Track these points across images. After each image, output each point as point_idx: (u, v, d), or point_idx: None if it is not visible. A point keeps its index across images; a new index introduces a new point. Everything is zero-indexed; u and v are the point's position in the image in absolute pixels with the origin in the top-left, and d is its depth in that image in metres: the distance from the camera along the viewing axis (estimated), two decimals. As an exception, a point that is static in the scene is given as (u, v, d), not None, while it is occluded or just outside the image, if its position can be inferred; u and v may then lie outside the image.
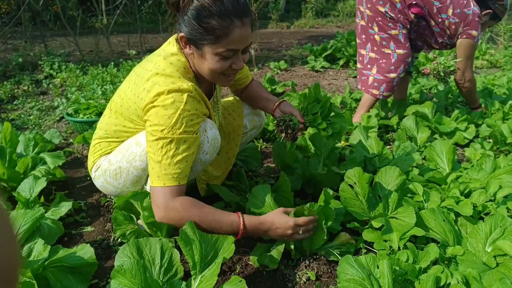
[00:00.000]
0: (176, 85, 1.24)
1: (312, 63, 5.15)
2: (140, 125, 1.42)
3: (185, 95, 1.25)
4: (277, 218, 1.31)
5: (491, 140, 2.47)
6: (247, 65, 1.57)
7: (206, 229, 1.27)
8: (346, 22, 11.20)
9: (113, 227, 1.48)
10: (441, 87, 3.26)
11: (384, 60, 2.57)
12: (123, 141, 1.48)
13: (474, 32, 2.41)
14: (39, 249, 1.26)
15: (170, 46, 1.38)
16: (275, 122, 1.63)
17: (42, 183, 1.69)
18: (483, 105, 2.94)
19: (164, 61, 1.31)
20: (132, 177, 1.46)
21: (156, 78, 1.26)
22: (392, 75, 2.55)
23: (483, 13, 2.49)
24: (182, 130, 1.24)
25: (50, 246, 1.27)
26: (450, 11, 2.40)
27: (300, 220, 1.32)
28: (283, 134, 1.59)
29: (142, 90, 1.28)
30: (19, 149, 2.07)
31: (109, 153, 1.52)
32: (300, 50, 6.38)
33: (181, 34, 1.27)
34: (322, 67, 5.14)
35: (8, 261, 0.37)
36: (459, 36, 2.47)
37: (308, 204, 1.35)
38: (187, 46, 1.30)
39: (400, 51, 2.51)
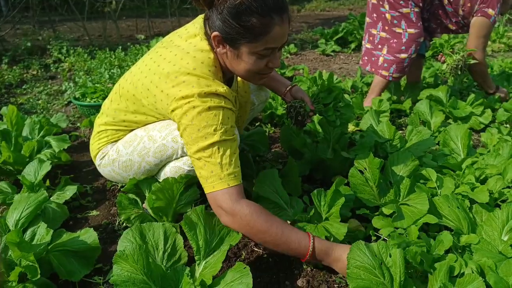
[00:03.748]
0: (212, 88, 1.18)
1: (322, 47, 5.03)
2: (153, 117, 1.36)
3: (222, 97, 1.20)
4: None
5: (508, 125, 2.37)
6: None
7: (270, 241, 1.17)
8: (358, 4, 10.91)
9: (118, 211, 1.47)
10: (451, 81, 3.15)
11: (395, 40, 2.47)
12: (132, 129, 1.43)
13: (490, 11, 2.28)
14: (41, 233, 1.25)
15: (197, 39, 1.27)
16: (286, 107, 1.61)
17: (46, 167, 1.67)
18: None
19: (194, 59, 1.22)
20: (143, 170, 1.43)
21: (188, 78, 1.18)
22: (403, 55, 2.46)
23: None
24: (230, 126, 1.20)
25: (52, 230, 1.26)
26: None
27: None
28: (293, 120, 1.57)
29: (170, 87, 1.20)
30: (25, 132, 2.06)
31: (116, 140, 1.47)
32: (310, 33, 6.24)
33: (215, 33, 1.17)
34: (333, 50, 5.02)
35: None
36: (474, 14, 2.34)
37: None
38: (221, 46, 1.21)
39: (412, 31, 2.41)
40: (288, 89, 1.64)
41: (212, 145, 1.15)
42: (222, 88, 1.20)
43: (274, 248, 1.20)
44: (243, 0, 1.09)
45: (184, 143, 1.22)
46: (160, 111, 1.30)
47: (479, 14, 2.32)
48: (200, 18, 1.32)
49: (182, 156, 1.37)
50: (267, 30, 1.14)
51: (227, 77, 1.36)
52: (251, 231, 1.17)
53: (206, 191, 1.18)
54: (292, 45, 5.11)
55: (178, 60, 1.23)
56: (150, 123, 1.38)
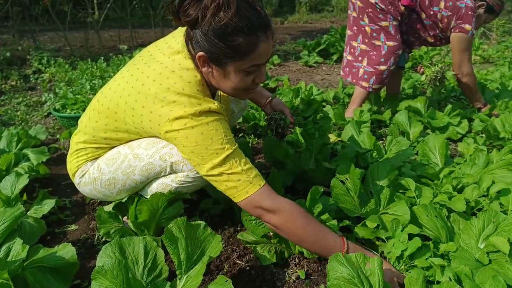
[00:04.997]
0: (204, 106, 1.18)
1: (305, 58, 5.10)
2: (137, 135, 1.34)
3: (215, 113, 1.21)
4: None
5: (484, 135, 2.45)
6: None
7: (307, 238, 1.21)
8: (340, 17, 11.14)
9: (97, 225, 1.44)
10: (430, 92, 3.24)
11: (374, 52, 2.53)
12: (113, 146, 1.40)
13: (467, 26, 2.37)
14: (17, 249, 1.21)
15: (181, 57, 1.24)
16: (266, 118, 1.64)
17: (24, 180, 1.63)
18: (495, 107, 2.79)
19: (180, 78, 1.20)
20: (128, 187, 1.41)
21: (178, 98, 1.17)
22: (382, 67, 2.52)
23: (476, 5, 2.45)
24: (232, 136, 1.22)
25: (29, 246, 1.22)
26: (442, 4, 2.36)
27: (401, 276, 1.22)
28: (273, 132, 1.61)
29: (159, 107, 1.18)
30: (2, 145, 2.01)
31: (96, 158, 1.43)
32: (293, 45, 6.32)
33: (200, 53, 1.15)
34: (316, 62, 5.09)
35: None
36: (452, 30, 2.43)
37: None
38: (206, 65, 1.20)
39: (390, 43, 2.47)
40: (268, 101, 1.66)
41: (227, 158, 1.17)
42: (213, 105, 1.20)
43: (309, 246, 1.24)
44: (228, 20, 1.07)
45: (194, 164, 1.22)
46: (146, 130, 1.27)
47: (457, 30, 2.41)
48: (180, 32, 1.30)
49: (170, 173, 1.36)
50: (253, 48, 1.14)
51: (212, 92, 1.36)
52: (292, 227, 1.20)
53: (240, 199, 1.20)
54: (275, 56, 5.16)
55: (164, 79, 1.20)
56: (132, 140, 1.37)
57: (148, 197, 1.42)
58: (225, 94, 1.63)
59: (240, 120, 2.64)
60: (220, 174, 1.18)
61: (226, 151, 1.17)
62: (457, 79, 2.62)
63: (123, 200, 1.49)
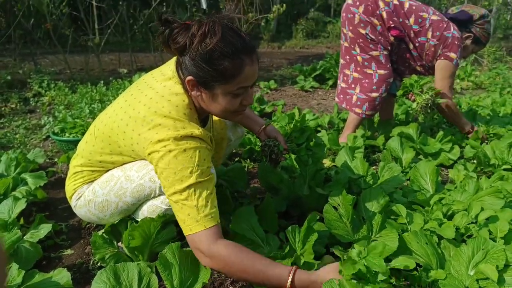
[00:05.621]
0: (188, 130, 1.23)
1: (301, 83, 5.22)
2: (130, 157, 1.38)
3: (198, 139, 1.25)
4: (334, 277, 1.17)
5: (475, 161, 2.50)
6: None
7: (251, 279, 1.21)
8: (335, 43, 11.42)
9: (92, 250, 1.46)
10: (421, 118, 3.32)
11: (366, 80, 2.62)
12: (108, 169, 1.45)
13: (452, 55, 2.47)
14: (13, 274, 1.23)
15: (171, 82, 1.31)
16: (260, 145, 1.70)
17: (21, 205, 1.65)
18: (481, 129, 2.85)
19: (169, 102, 1.26)
20: (120, 210, 1.44)
21: (164, 121, 1.22)
22: (374, 94, 2.60)
23: (464, 36, 2.56)
24: (206, 167, 1.24)
25: (24, 271, 1.24)
26: (429, 34, 2.47)
27: None
28: (267, 158, 1.66)
29: (146, 130, 1.23)
30: (0, 169, 2.04)
31: (92, 181, 1.47)
32: (290, 70, 6.47)
33: (189, 78, 1.23)
34: (312, 87, 5.21)
35: None
36: (438, 58, 2.53)
37: None
38: (195, 89, 1.26)
39: (382, 72, 2.56)
40: (262, 128, 1.71)
41: (188, 187, 1.19)
42: (197, 131, 1.25)
43: (257, 285, 1.24)
44: (214, 46, 1.16)
45: (162, 186, 1.25)
46: (137, 153, 1.33)
47: (442, 58, 2.51)
48: (173, 60, 1.37)
49: (159, 195, 1.39)
50: (239, 71, 1.21)
51: (202, 116, 1.42)
52: (231, 270, 1.21)
53: (185, 233, 1.21)
54: (272, 81, 5.27)
55: (153, 104, 1.27)
56: (126, 163, 1.41)
57: (139, 219, 1.44)
58: (221, 124, 1.69)
59: (236, 145, 2.69)
60: (176, 202, 1.20)
61: (190, 180, 1.19)
62: (437, 108, 2.65)
63: (115, 223, 1.51)
